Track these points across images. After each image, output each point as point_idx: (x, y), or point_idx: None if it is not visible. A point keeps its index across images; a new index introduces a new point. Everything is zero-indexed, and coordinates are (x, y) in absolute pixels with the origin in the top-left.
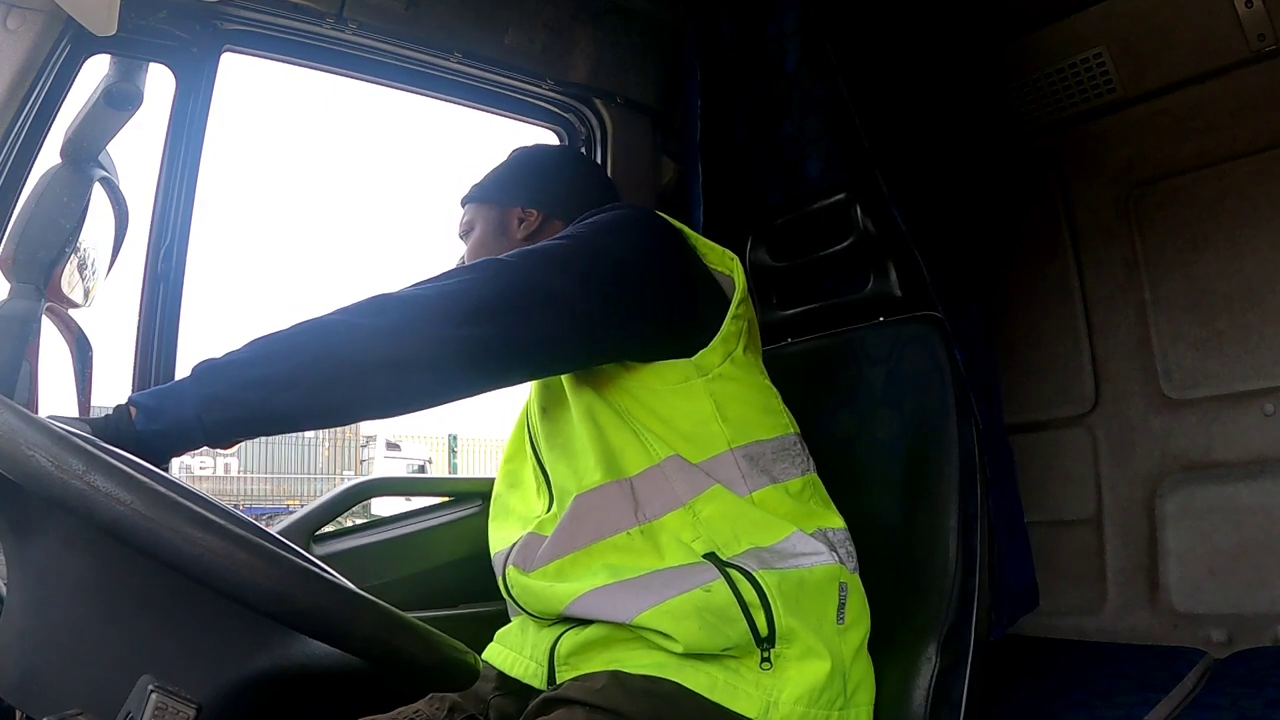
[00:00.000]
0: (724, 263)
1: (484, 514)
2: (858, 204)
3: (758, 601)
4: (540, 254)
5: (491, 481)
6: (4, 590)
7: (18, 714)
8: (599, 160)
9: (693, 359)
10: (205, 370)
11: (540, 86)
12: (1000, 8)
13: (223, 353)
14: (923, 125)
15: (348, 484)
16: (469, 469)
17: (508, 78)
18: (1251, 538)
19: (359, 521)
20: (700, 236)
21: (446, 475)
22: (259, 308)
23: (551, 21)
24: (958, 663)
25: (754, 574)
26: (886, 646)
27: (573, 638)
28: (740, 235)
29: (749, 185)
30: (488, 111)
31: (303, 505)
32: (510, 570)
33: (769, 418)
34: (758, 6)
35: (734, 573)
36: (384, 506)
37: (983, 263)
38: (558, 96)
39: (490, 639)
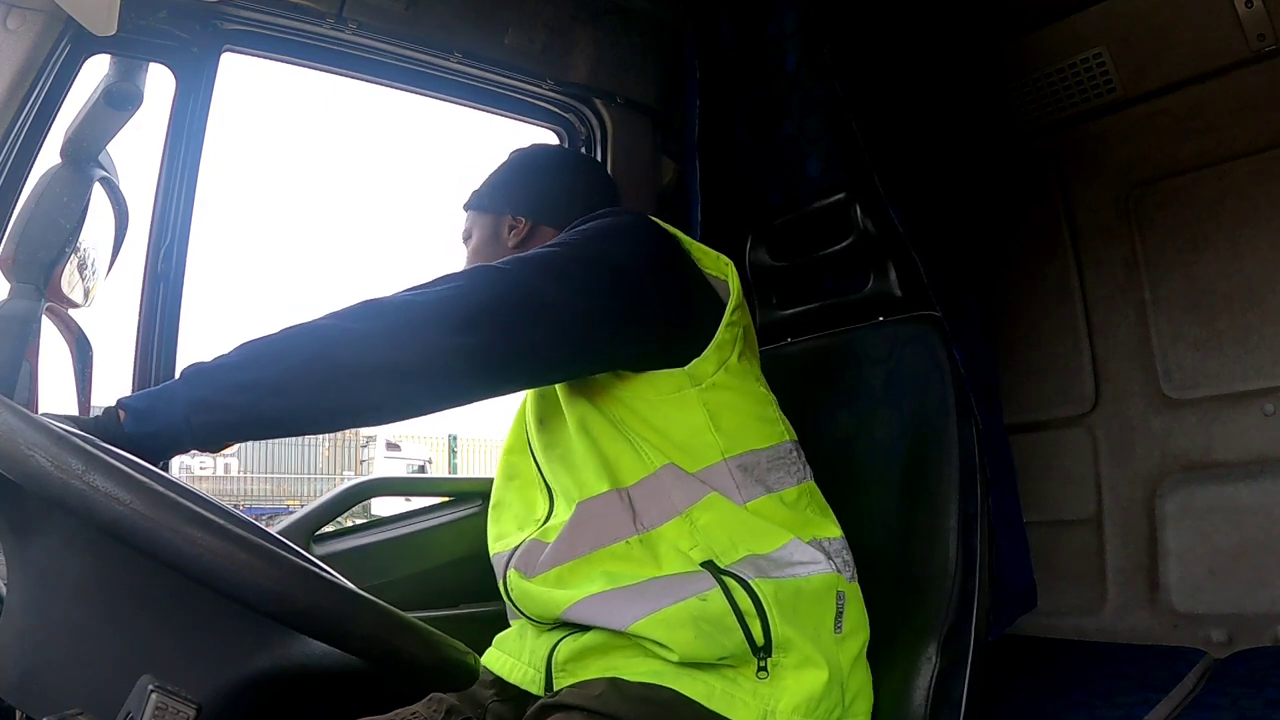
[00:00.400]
0: (719, 267)
1: (484, 514)
2: (857, 204)
3: (753, 610)
4: (536, 261)
5: (491, 482)
6: (4, 590)
7: (18, 714)
8: (599, 160)
9: (686, 368)
10: (194, 373)
11: (540, 86)
12: (1000, 8)
13: (213, 356)
14: (922, 126)
15: (348, 484)
16: (469, 469)
17: (508, 78)
18: (1251, 538)
19: (359, 521)
20: (695, 241)
21: (446, 475)
22: (259, 308)
23: (551, 21)
24: (958, 663)
25: (750, 582)
26: (886, 647)
27: (571, 644)
28: (740, 235)
29: (749, 185)
30: (488, 111)
31: (303, 505)
32: (511, 574)
33: (764, 426)
34: (758, 7)
35: (730, 581)
36: (384, 506)
37: (982, 263)
38: (558, 96)
39: (490, 640)
